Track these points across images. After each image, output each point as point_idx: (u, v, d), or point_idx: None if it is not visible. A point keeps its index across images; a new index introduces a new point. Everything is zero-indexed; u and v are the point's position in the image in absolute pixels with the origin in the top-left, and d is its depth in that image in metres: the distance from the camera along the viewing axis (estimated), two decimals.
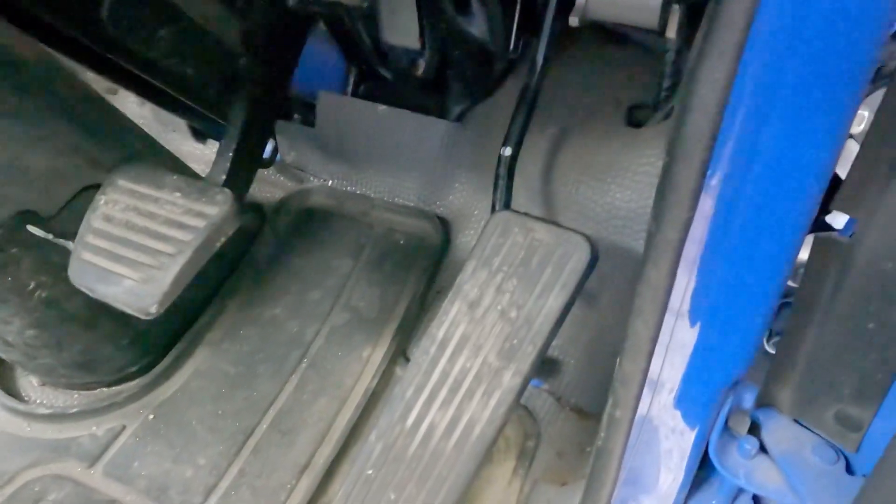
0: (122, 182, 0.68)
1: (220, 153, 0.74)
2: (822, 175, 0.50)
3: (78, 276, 0.65)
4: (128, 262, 0.62)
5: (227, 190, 0.65)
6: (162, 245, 0.62)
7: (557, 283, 0.64)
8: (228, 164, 0.72)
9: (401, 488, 0.64)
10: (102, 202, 0.68)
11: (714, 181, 0.50)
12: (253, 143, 0.80)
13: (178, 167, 0.88)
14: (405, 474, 0.63)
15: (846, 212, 0.61)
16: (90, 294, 0.65)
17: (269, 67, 0.87)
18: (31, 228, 0.72)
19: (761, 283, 0.57)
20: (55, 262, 0.77)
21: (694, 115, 0.46)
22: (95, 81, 0.88)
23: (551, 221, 0.68)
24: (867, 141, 0.53)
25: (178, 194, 0.65)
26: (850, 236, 0.59)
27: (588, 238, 0.65)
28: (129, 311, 0.62)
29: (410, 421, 0.66)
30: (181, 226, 0.62)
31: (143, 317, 0.61)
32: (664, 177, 0.51)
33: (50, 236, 0.73)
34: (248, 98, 0.82)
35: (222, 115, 0.93)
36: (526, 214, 0.70)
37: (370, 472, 0.66)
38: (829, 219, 0.71)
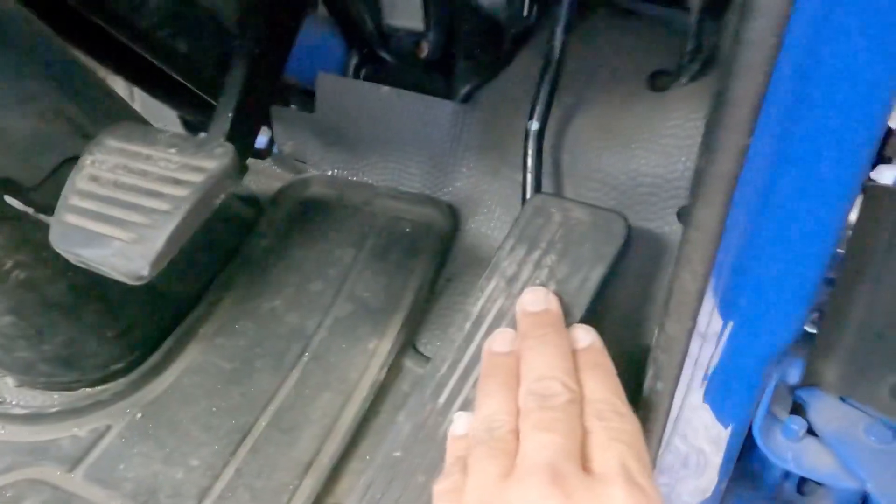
0: (110, 140, 0.62)
1: (217, 115, 0.68)
2: (874, 127, 0.45)
3: (60, 240, 0.59)
4: (116, 223, 0.56)
5: (227, 143, 0.59)
6: (155, 202, 0.55)
7: (595, 255, 0.62)
8: (229, 123, 0.66)
9: (431, 470, 0.57)
10: (88, 162, 0.61)
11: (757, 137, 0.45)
12: (252, 110, 0.74)
13: None
14: (436, 455, 0.57)
15: None
16: (75, 260, 0.58)
17: (266, 41, 0.82)
18: (9, 199, 0.66)
19: (809, 250, 0.52)
20: (36, 241, 0.70)
21: (757, 20, 0.41)
22: None
23: (588, 203, 0.68)
24: None
25: (173, 150, 0.59)
26: None
27: (622, 214, 0.66)
28: (117, 276, 0.55)
29: (443, 398, 0.61)
30: (176, 182, 0.56)
31: (133, 282, 0.55)
32: (716, 102, 0.46)
33: (30, 210, 0.67)
34: (245, 69, 0.77)
35: (216, 96, 0.88)
36: (562, 196, 0.73)
37: (398, 453, 0.60)
38: (874, 174, 0.67)
